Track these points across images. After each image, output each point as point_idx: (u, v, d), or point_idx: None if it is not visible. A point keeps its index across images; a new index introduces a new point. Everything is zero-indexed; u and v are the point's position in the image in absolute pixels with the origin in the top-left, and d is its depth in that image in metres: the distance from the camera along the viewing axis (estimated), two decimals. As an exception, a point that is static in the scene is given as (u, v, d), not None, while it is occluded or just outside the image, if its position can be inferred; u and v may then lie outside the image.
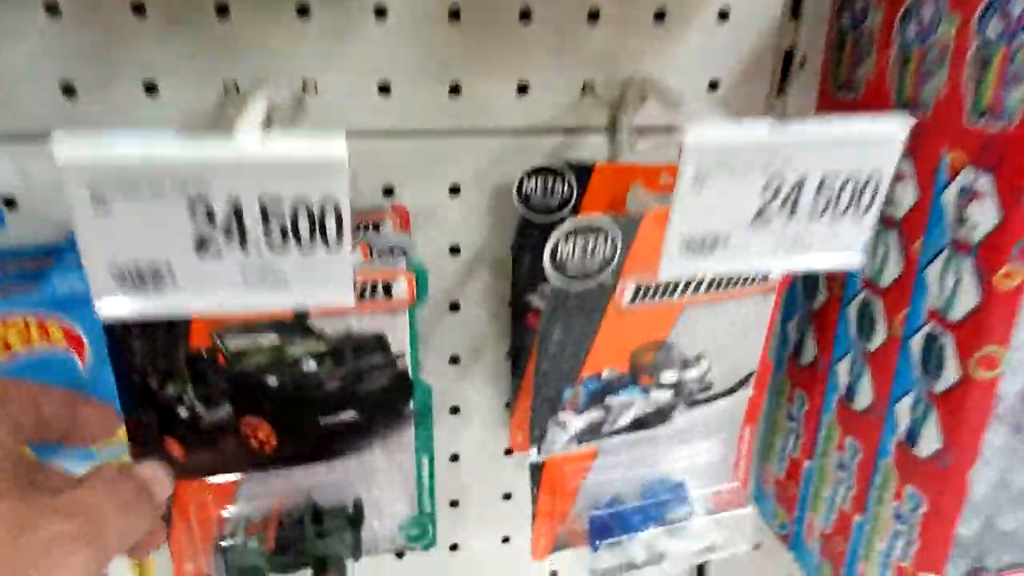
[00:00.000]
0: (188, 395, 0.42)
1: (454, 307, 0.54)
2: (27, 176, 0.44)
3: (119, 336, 0.40)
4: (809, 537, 0.57)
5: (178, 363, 0.41)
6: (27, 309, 0.39)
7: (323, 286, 0.30)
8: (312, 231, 0.29)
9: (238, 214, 0.28)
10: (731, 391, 0.49)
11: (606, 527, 0.46)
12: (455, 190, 0.51)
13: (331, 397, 0.44)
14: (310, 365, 0.43)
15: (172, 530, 0.45)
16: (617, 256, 0.41)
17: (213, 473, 0.45)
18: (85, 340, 0.40)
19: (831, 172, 0.33)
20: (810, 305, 0.54)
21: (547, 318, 0.42)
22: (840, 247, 0.35)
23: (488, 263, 0.54)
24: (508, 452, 0.60)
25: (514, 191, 0.49)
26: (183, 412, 0.42)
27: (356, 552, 0.48)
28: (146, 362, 0.40)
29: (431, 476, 0.49)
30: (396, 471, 0.48)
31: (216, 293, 0.30)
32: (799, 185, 0.33)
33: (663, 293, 0.43)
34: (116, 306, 0.29)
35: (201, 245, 0.28)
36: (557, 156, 0.51)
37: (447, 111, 0.48)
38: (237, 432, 0.44)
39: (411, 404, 0.46)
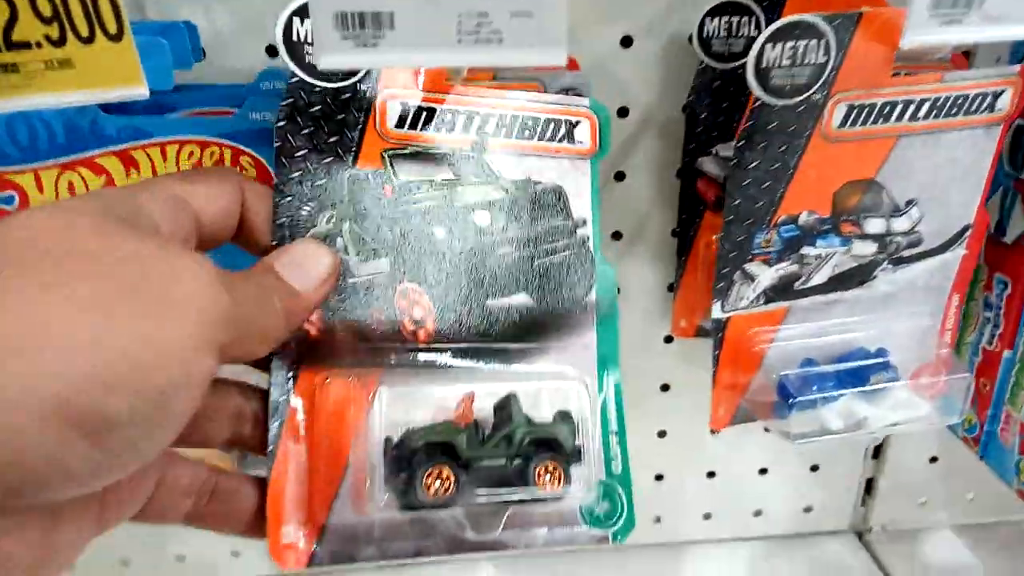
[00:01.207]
0: (343, 234, 0.35)
1: (619, 176, 0.51)
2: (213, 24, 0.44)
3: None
4: (1007, 434, 0.51)
5: (339, 185, 0.34)
6: (220, 137, 0.39)
7: (536, 44, 0.28)
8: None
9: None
10: (942, 249, 0.43)
11: (798, 388, 0.42)
12: (627, 41, 0.48)
13: (500, 268, 0.36)
14: (482, 217, 0.36)
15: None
16: (830, 65, 0.36)
17: (339, 360, 0.34)
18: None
19: None
20: (1019, 174, 0.48)
21: (744, 143, 0.38)
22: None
23: (657, 126, 0.50)
24: (668, 340, 0.56)
25: (694, 34, 0.45)
26: None
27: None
28: (303, 181, 0.34)
29: (620, 417, 0.36)
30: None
31: (431, 48, 0.28)
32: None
33: (878, 116, 0.38)
34: (336, 59, 0.27)
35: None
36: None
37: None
38: (390, 301, 0.35)
39: (593, 293, 0.37)
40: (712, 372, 0.44)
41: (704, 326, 0.54)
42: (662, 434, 0.59)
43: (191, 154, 0.38)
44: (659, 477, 0.61)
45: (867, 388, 0.42)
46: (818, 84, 0.37)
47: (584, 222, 0.36)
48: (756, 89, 0.36)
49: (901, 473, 0.63)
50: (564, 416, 0.36)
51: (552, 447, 0.35)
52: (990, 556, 0.63)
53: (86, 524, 0.27)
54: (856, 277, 0.43)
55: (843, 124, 0.38)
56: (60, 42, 0.27)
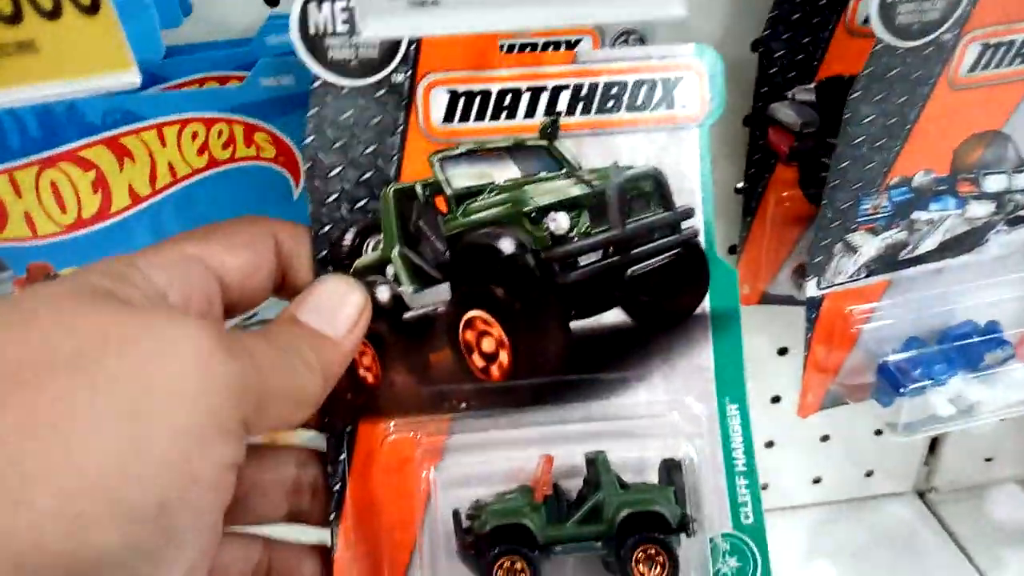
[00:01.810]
0: (394, 261, 0.29)
1: (678, 128, 0.45)
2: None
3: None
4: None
5: (383, 203, 0.28)
6: (228, 111, 0.32)
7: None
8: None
9: None
10: (1065, 205, 0.38)
11: (902, 374, 0.37)
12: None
13: (588, 282, 0.29)
14: (559, 222, 0.28)
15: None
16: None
17: (401, 409, 0.29)
18: (297, 152, 0.33)
19: None
20: None
21: (859, 95, 0.32)
22: None
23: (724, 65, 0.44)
24: (730, 309, 0.51)
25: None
26: (382, 293, 0.29)
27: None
28: (340, 204, 0.28)
29: (749, 454, 0.30)
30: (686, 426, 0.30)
31: (512, 4, 0.21)
32: None
33: (1015, 57, 0.32)
34: (386, 23, 0.21)
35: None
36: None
37: None
38: (454, 336, 0.29)
39: (706, 299, 0.30)
40: (803, 356, 0.39)
41: (770, 292, 0.49)
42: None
43: (195, 135, 0.31)
44: (713, 448, 0.57)
45: (980, 371, 0.38)
46: (951, 20, 0.30)
47: (691, 212, 0.29)
48: (879, 29, 0.30)
49: (968, 430, 0.58)
50: (671, 468, 0.29)
51: (652, 522, 0.28)
52: (1060, 511, 0.60)
53: None
54: (967, 242, 0.38)
55: (973, 68, 0.32)
56: (15, 19, 0.20)
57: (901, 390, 0.36)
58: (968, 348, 0.38)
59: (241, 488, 0.27)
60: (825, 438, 0.58)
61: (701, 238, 0.29)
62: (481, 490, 0.29)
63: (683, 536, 0.29)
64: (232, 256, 0.25)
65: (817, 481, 0.60)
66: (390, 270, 0.28)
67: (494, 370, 0.29)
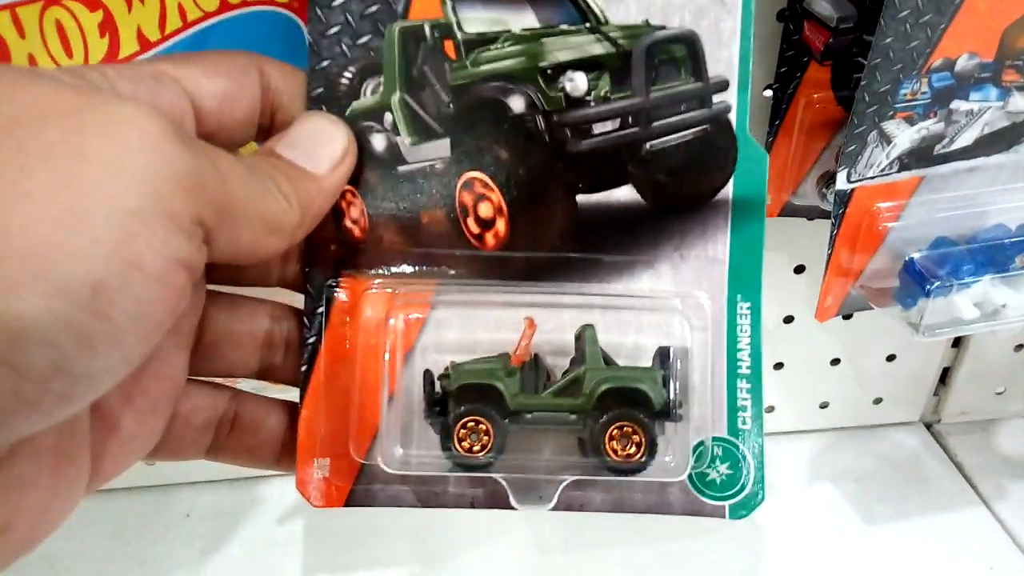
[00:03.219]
0: (393, 108, 0.27)
1: (706, 22, 0.43)
2: None
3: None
4: None
5: (387, 42, 0.26)
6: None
7: None
8: None
9: None
10: (1111, 105, 0.36)
11: (928, 272, 0.36)
12: None
13: (601, 153, 0.27)
14: (577, 83, 0.26)
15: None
16: None
17: (387, 266, 0.28)
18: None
19: None
20: None
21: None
22: None
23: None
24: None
25: None
26: (377, 142, 0.27)
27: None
28: (342, 39, 0.26)
29: (756, 358, 0.28)
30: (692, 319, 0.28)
31: None
32: None
33: (1078, -72, 0.30)
34: None
35: None
36: None
37: None
38: (450, 196, 0.27)
39: (731, 181, 0.27)
40: (827, 255, 0.38)
41: (793, 203, 0.47)
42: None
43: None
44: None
45: (1009, 272, 0.36)
46: None
47: (724, 84, 0.27)
48: None
49: (981, 362, 0.58)
50: (664, 355, 0.27)
51: (634, 400, 0.27)
52: (1068, 447, 0.60)
53: (71, 473, 0.22)
54: (1006, 138, 0.36)
55: (1034, -63, 0.30)
56: None
57: (927, 287, 0.35)
58: (998, 249, 0.37)
59: (211, 336, 0.27)
60: (835, 361, 0.57)
61: (733, 115, 0.27)
62: (460, 357, 0.28)
63: (667, 424, 0.27)
64: (210, 80, 0.24)
65: (824, 406, 0.59)
66: (388, 117, 0.27)
67: (489, 238, 0.28)
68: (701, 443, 0.28)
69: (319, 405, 0.28)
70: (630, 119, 0.27)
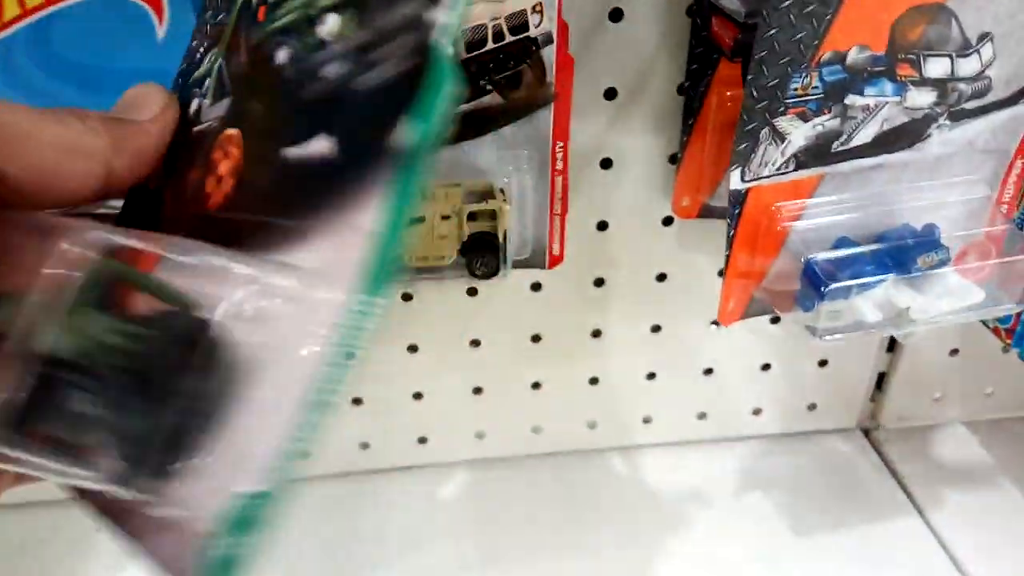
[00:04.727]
0: (211, 75, 0.25)
1: (615, 16, 0.42)
2: None
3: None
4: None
5: (232, 14, 0.25)
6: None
7: None
8: None
9: None
10: (1012, 100, 0.35)
11: (828, 273, 0.35)
12: None
13: (313, 102, 0.22)
14: (331, 24, 0.21)
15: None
16: None
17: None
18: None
19: None
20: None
21: (786, -49, 0.29)
22: None
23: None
24: (667, 221, 0.49)
25: None
26: (193, 105, 0.25)
27: None
28: (209, 17, 0.26)
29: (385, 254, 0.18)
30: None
31: None
32: None
33: (961, -85, 0.29)
34: None
35: None
36: None
37: None
38: (208, 157, 0.24)
39: (406, 124, 0.19)
40: (725, 256, 0.37)
41: (710, 205, 0.46)
42: (656, 329, 0.52)
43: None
44: (651, 375, 0.55)
45: (912, 273, 0.35)
46: None
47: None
48: None
49: (917, 367, 0.57)
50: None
51: None
52: (1006, 452, 0.58)
53: None
54: (907, 136, 0.35)
55: (916, -76, 0.29)
56: None
57: (823, 290, 0.34)
58: (901, 250, 0.35)
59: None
60: (766, 367, 0.56)
61: (443, 41, 0.19)
62: None
63: None
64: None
65: (757, 412, 0.58)
66: (207, 83, 0.25)
67: (215, 196, 0.23)
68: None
69: None
70: (349, 59, 0.22)
